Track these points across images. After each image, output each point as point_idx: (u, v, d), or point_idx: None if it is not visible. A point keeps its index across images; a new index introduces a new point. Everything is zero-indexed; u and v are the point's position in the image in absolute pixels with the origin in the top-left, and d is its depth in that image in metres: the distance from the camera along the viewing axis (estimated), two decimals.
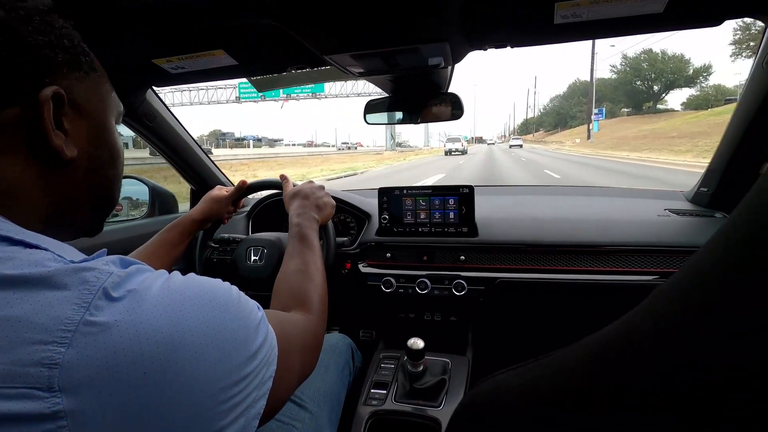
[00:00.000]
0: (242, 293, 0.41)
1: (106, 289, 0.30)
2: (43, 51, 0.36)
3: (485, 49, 0.86)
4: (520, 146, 44.41)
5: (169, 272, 0.37)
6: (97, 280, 0.31)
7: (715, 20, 0.71)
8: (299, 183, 0.94)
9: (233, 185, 1.57)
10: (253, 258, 1.13)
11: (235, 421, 0.35)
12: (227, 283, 0.40)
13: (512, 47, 0.83)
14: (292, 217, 0.82)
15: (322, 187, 0.93)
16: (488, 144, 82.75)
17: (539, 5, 0.68)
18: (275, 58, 0.92)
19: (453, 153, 34.05)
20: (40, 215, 0.38)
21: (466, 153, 34.58)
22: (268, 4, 0.68)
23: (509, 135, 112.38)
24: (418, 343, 1.00)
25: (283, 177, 1.01)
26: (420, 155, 37.54)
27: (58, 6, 0.39)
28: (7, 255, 0.30)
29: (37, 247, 0.32)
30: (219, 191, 1.06)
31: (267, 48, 0.87)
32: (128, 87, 1.07)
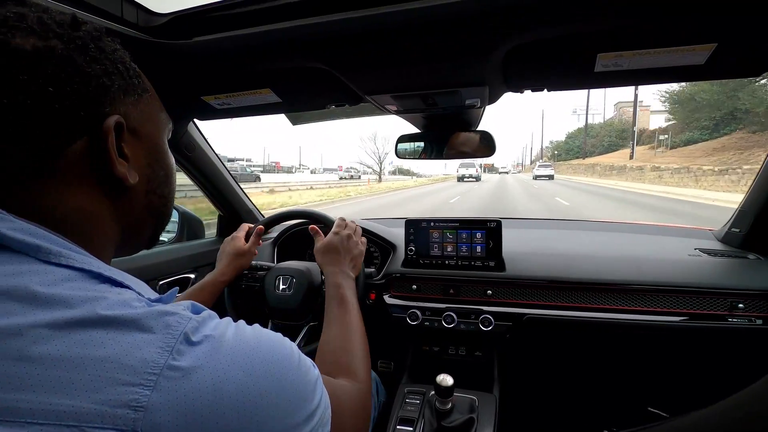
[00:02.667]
0: (300, 351, 0.41)
1: (187, 333, 0.31)
2: (102, 80, 0.36)
3: (522, 92, 0.88)
4: (550, 177, 32.34)
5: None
6: (178, 324, 0.32)
7: (754, 72, 0.72)
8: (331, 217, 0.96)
9: (262, 215, 1.61)
10: (281, 287, 1.13)
11: None
12: (287, 339, 0.40)
13: (549, 91, 0.86)
14: (328, 276, 0.83)
15: (350, 236, 0.92)
16: (500, 173, 72.10)
17: (581, 55, 0.70)
18: (317, 97, 0.96)
19: (466, 179, 33.36)
20: (114, 240, 0.40)
21: (479, 180, 33.75)
22: (320, 50, 0.72)
23: (533, 162, 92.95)
24: (447, 380, 0.98)
25: (312, 229, 0.99)
26: (415, 184, 32.63)
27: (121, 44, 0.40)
28: (100, 294, 0.31)
29: (121, 284, 0.34)
30: (238, 243, 1.06)
31: (311, 87, 0.91)
32: (173, 119, 1.12)
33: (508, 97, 1.05)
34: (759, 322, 1.04)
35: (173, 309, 0.33)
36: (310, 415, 0.37)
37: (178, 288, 0.39)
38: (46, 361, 0.27)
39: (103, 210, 0.38)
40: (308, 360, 0.41)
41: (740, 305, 1.05)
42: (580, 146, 53.62)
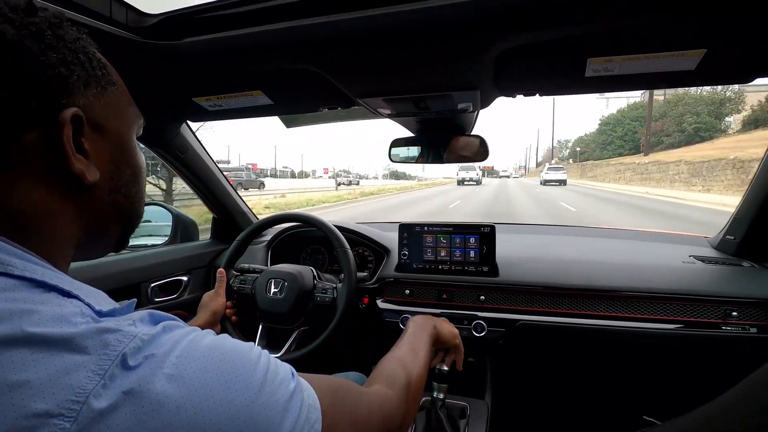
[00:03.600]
0: (275, 361, 0.37)
1: (125, 355, 0.28)
2: (58, 69, 0.33)
3: (514, 96, 0.88)
4: (562, 182, 27.27)
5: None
6: (118, 344, 0.28)
7: (744, 78, 0.72)
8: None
9: (256, 217, 1.61)
10: (273, 290, 1.13)
11: None
12: (258, 350, 0.36)
13: (541, 95, 0.86)
14: (418, 321, 0.80)
15: (445, 319, 0.93)
16: (501, 177, 66.03)
17: (572, 59, 0.70)
18: (309, 99, 0.96)
19: (467, 182, 32.03)
20: (73, 242, 0.37)
21: (480, 183, 32.21)
22: (311, 52, 0.72)
23: (539, 164, 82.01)
24: (443, 366, 1.00)
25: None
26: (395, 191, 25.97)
27: (109, 44, 0.38)
28: (32, 307, 0.27)
29: (69, 294, 0.30)
30: (214, 298, 1.07)
31: (303, 90, 0.91)
32: (166, 121, 1.12)
33: (508, 98, 1.05)
34: (753, 330, 1.03)
35: (117, 325, 0.29)
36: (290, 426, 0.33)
37: (135, 300, 0.37)
38: None
39: (60, 209, 0.35)
40: (282, 372, 0.36)
41: (734, 313, 1.05)
42: (628, 136, 38.99)
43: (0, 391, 0.24)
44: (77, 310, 0.29)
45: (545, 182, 27.91)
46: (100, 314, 0.30)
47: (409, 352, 0.65)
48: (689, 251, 1.27)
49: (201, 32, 0.73)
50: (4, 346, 0.25)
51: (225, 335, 0.35)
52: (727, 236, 1.23)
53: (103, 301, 0.33)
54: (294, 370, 0.38)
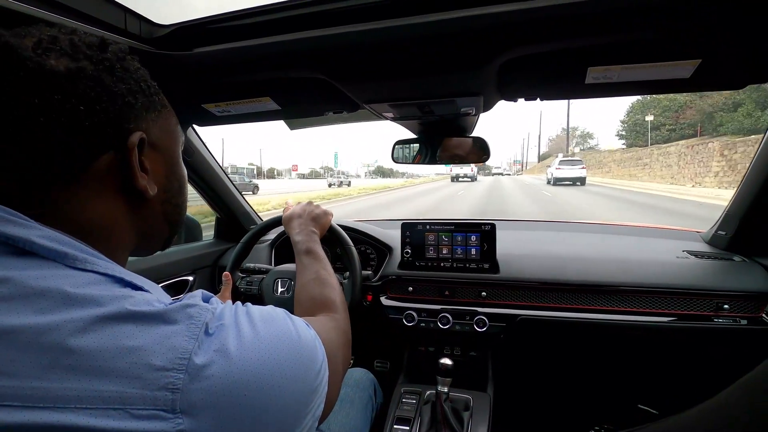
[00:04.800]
0: (291, 314, 0.45)
1: (207, 324, 0.35)
2: (127, 98, 0.39)
3: (516, 101, 0.91)
4: (581, 181, 19.67)
5: None
6: (200, 315, 0.35)
7: (738, 85, 0.75)
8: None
9: (260, 218, 1.63)
10: (280, 290, 1.15)
11: (305, 425, 0.40)
12: (282, 310, 0.44)
13: (542, 100, 0.88)
14: (294, 237, 0.89)
15: (311, 202, 1.01)
16: (494, 174, 57.96)
17: (573, 68, 0.73)
18: (316, 104, 0.98)
19: (461, 179, 30.12)
20: (128, 245, 0.43)
21: (475, 180, 30.10)
22: (320, 61, 0.74)
23: (542, 157, 67.54)
24: (447, 361, 1.07)
25: (286, 207, 1.05)
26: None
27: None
28: (126, 294, 0.34)
29: (141, 289, 0.37)
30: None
31: (310, 96, 0.93)
32: None
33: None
34: (743, 322, 1.08)
35: (193, 301, 0.36)
36: (317, 372, 0.42)
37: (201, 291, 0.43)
38: (85, 352, 0.29)
39: (122, 218, 0.41)
40: (301, 319, 0.45)
41: (725, 306, 1.09)
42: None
43: (122, 353, 0.30)
44: (153, 298, 0.36)
45: (556, 181, 20.33)
46: (170, 304, 0.36)
47: (316, 271, 0.76)
48: (682, 246, 1.31)
49: (212, 43, 0.75)
50: (115, 321, 0.32)
51: (258, 306, 0.43)
52: (719, 231, 1.27)
53: (163, 295, 0.39)
54: (306, 322, 0.47)
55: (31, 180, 0.35)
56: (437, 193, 18.40)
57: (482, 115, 0.97)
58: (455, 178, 30.61)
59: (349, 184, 36.83)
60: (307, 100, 0.96)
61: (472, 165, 29.56)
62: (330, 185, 31.19)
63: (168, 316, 0.34)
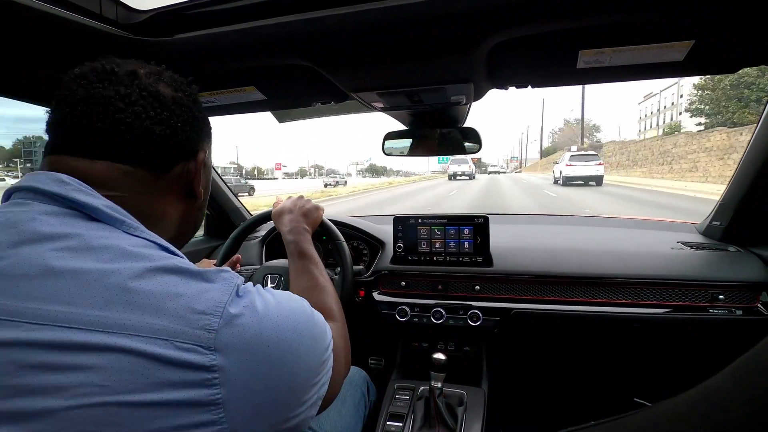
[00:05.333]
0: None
1: (238, 287, 0.42)
2: (201, 125, 0.51)
3: (506, 89, 0.89)
4: (596, 181, 16.31)
5: None
6: (232, 279, 0.42)
7: (732, 68, 0.74)
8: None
9: (250, 213, 1.60)
10: (270, 286, 1.13)
11: (310, 398, 0.45)
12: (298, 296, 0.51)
13: (533, 87, 0.87)
14: (285, 235, 0.89)
15: (302, 196, 1.01)
16: (490, 172, 52.58)
17: (564, 51, 0.71)
18: (303, 94, 0.96)
19: (458, 177, 27.00)
20: (171, 235, 0.51)
21: (473, 178, 27.30)
22: (304, 47, 0.72)
23: (546, 152, 58.71)
24: (440, 356, 1.04)
25: (276, 202, 1.04)
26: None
27: (101, 41, 0.46)
28: (170, 256, 0.42)
29: (179, 256, 0.44)
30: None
31: (296, 85, 0.91)
32: None
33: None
34: (739, 312, 1.07)
35: (225, 269, 0.44)
36: (327, 347, 0.49)
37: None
38: (141, 292, 0.36)
39: (175, 215, 0.51)
40: (322, 318, 0.52)
41: (720, 296, 1.08)
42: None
43: (171, 297, 0.37)
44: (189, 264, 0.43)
45: (566, 181, 16.96)
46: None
47: (313, 277, 0.78)
48: (677, 237, 1.30)
49: (192, 29, 0.72)
50: (164, 272, 0.39)
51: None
52: (714, 222, 1.26)
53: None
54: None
55: (125, 171, 0.44)
56: (424, 194, 16.76)
57: (475, 108, 0.95)
58: (452, 177, 27.71)
59: (345, 184, 35.89)
60: (293, 90, 0.94)
61: (470, 162, 27.49)
62: (326, 185, 30.72)
63: (206, 275, 0.41)
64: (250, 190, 23.07)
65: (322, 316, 0.51)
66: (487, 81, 0.84)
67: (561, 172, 17.65)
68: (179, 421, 0.34)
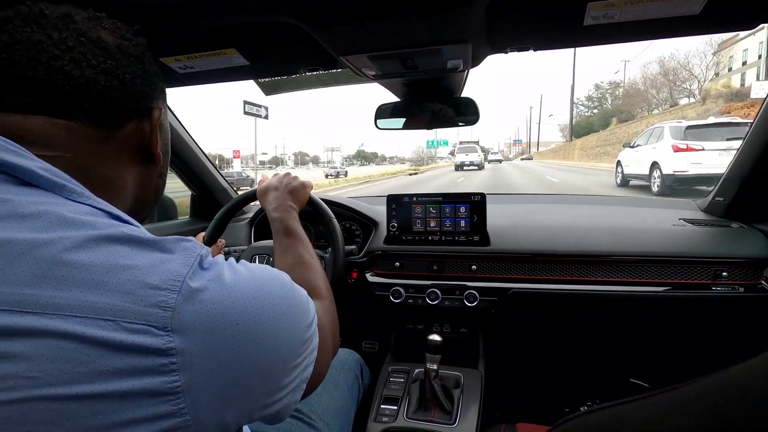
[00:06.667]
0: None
1: (201, 257, 0.36)
2: (156, 80, 0.46)
3: (506, 52, 0.83)
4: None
5: None
6: (194, 248, 0.37)
7: (749, 24, 0.69)
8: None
9: (235, 192, 1.54)
10: None
11: (291, 381, 0.41)
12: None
13: (535, 50, 0.81)
14: (270, 213, 0.84)
15: (288, 174, 0.95)
16: (490, 160, 42.15)
17: (570, 5, 0.65)
18: (288, 59, 0.89)
19: (466, 167, 23.94)
20: (127, 206, 0.45)
21: (482, 168, 24.18)
22: (289, 2, 0.65)
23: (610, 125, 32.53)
24: (436, 337, 1.02)
25: (262, 180, 0.98)
26: None
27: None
28: (115, 224, 0.36)
29: (134, 225, 0.38)
30: None
31: (280, 48, 0.84)
32: None
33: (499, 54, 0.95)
34: (741, 289, 1.04)
35: (188, 238, 0.38)
36: (309, 325, 0.44)
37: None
38: (78, 265, 0.31)
39: (129, 180, 0.45)
40: (303, 292, 0.47)
41: (724, 273, 1.05)
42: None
43: (116, 270, 0.31)
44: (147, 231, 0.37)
45: (680, 182, 7.38)
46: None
47: (301, 256, 0.73)
48: (678, 215, 1.27)
49: None
50: (110, 242, 0.33)
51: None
52: (717, 198, 1.23)
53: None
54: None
55: (66, 127, 0.38)
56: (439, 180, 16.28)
57: (472, 79, 0.89)
58: (459, 167, 24.47)
59: (345, 174, 34.93)
60: (278, 54, 0.87)
61: (479, 151, 24.84)
62: (327, 176, 30.37)
63: (163, 245, 0.35)
64: (252, 183, 22.57)
65: (304, 291, 0.47)
66: (485, 42, 0.78)
67: (669, 163, 7.66)
68: (131, 414, 0.30)
